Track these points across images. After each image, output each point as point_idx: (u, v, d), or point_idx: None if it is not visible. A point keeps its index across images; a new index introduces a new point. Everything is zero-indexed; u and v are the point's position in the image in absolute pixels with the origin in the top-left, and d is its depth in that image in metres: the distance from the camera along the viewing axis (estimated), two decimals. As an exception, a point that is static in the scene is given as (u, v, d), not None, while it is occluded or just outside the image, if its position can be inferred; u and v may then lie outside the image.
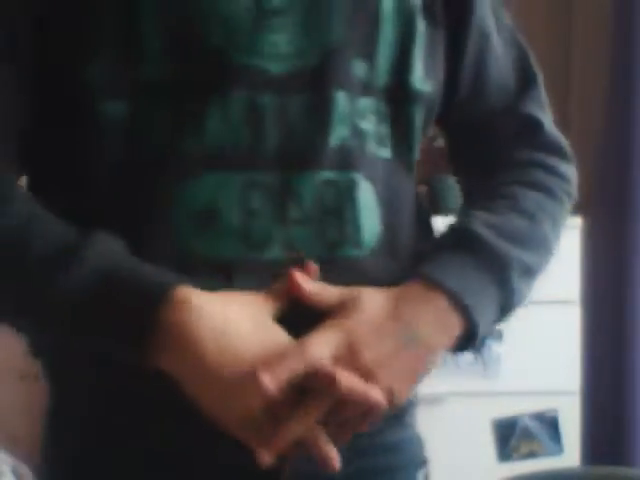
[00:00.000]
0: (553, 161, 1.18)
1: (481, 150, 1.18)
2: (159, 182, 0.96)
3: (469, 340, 0.99)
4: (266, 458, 0.85)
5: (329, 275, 0.95)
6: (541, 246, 1.11)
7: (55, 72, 0.97)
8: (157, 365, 0.88)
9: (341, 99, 1.00)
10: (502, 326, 2.85)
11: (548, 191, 1.13)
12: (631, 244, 3.01)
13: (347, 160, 1.00)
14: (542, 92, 1.26)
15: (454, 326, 0.97)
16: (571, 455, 2.79)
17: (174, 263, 0.93)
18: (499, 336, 2.78)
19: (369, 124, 1.02)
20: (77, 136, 0.98)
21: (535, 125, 1.19)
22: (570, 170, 1.22)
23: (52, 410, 1.06)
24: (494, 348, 2.78)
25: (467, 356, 2.77)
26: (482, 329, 0.99)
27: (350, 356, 0.90)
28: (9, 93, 0.96)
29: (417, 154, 1.10)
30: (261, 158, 0.97)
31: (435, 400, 2.73)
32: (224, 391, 0.87)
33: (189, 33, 0.95)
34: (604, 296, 3.03)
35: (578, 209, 2.93)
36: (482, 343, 1.00)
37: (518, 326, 2.81)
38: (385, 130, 1.04)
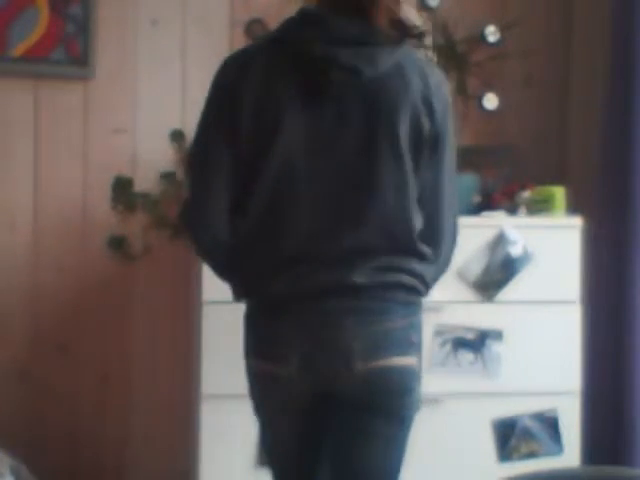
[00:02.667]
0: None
1: None
2: None
3: None
4: None
5: None
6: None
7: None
8: None
9: None
10: (502, 326, 2.84)
11: None
12: (631, 244, 3.01)
13: None
14: None
15: None
16: (571, 455, 2.79)
17: None
18: (499, 336, 2.78)
19: None
20: None
21: None
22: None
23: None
24: (494, 348, 2.78)
25: (467, 356, 2.77)
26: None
27: None
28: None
29: None
30: None
31: (435, 400, 2.73)
32: None
33: None
34: (604, 296, 3.03)
35: (578, 209, 2.94)
36: None
37: (518, 326, 2.82)
38: None
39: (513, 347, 2.79)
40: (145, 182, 3.23)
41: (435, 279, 2.12)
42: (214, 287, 2.56)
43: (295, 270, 2.02)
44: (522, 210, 2.92)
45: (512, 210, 2.93)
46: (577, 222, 2.84)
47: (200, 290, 2.70)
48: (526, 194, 2.94)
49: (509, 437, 2.77)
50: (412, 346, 2.04)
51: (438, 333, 2.76)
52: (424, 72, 2.02)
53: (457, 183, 2.12)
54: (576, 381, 2.83)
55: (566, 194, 2.92)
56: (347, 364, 2.01)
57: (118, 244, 3.23)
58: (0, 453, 2.82)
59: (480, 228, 2.78)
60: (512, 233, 2.78)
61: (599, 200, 3.13)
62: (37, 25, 3.16)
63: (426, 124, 2.00)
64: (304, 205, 2.00)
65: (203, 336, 2.70)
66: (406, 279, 2.03)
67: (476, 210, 2.93)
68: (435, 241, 2.10)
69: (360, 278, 2.00)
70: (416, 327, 2.07)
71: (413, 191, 2.02)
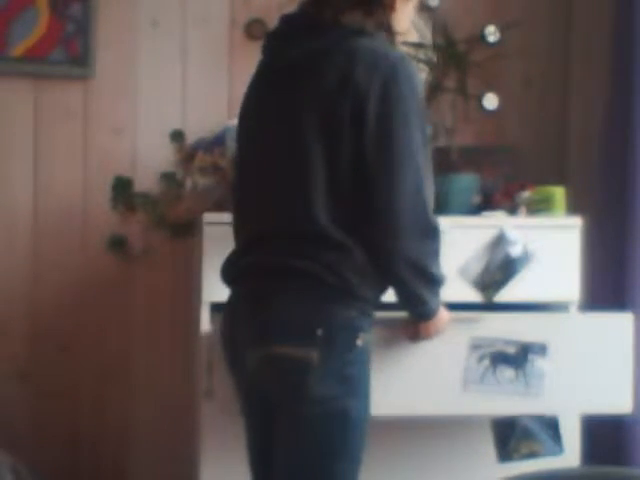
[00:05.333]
0: None
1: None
2: None
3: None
4: None
5: None
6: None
7: None
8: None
9: None
10: (546, 338, 2.57)
11: None
12: (631, 244, 3.01)
13: None
14: None
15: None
16: (571, 455, 2.79)
17: None
18: (543, 350, 2.63)
19: None
20: None
21: None
22: None
23: None
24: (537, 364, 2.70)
25: (507, 372, 2.62)
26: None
27: None
28: None
29: None
30: None
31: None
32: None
33: None
34: (603, 296, 3.03)
35: (578, 209, 2.94)
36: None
37: (564, 338, 2.79)
38: None
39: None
40: (145, 182, 3.23)
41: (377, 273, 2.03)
42: (214, 287, 2.56)
43: (232, 254, 2.17)
44: (522, 210, 2.92)
45: (512, 210, 2.93)
46: (577, 222, 2.83)
47: (200, 290, 2.70)
48: (526, 194, 2.94)
49: (509, 437, 2.77)
50: (310, 338, 1.95)
51: (475, 347, 2.50)
52: (351, 57, 1.98)
53: (423, 169, 2.03)
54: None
55: (566, 194, 2.92)
56: (242, 351, 2.05)
57: (118, 244, 3.23)
58: (0, 453, 2.82)
59: (480, 228, 2.78)
60: (512, 233, 2.78)
61: (599, 200, 3.13)
62: (37, 25, 3.16)
63: (346, 107, 1.95)
64: (245, 193, 2.16)
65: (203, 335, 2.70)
66: (304, 264, 1.97)
67: (476, 210, 2.93)
68: (377, 230, 2.01)
69: (255, 262, 2.05)
70: (324, 320, 1.97)
71: (320, 173, 1.97)
